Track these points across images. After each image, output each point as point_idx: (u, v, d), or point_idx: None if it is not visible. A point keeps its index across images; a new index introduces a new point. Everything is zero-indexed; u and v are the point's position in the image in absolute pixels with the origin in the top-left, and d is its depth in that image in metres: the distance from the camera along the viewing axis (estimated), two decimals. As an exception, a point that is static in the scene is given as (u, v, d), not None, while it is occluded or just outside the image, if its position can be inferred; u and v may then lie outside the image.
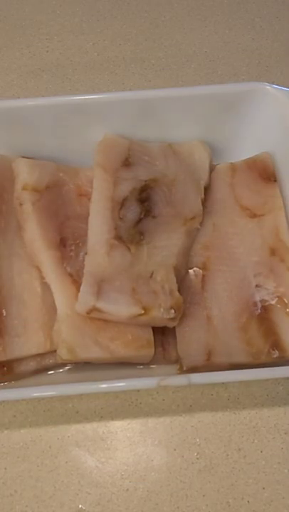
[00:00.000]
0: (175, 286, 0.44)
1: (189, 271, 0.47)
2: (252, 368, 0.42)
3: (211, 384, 0.48)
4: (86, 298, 0.42)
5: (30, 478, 0.45)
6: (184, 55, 0.67)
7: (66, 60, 0.67)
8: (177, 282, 0.44)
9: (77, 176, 0.50)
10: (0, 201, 0.48)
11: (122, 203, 0.47)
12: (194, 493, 0.44)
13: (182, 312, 0.44)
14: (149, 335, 0.44)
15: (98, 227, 0.46)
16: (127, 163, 0.49)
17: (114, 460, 0.46)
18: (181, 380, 0.41)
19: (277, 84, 0.50)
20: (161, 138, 0.52)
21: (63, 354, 0.41)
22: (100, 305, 0.42)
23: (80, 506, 0.44)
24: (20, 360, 0.44)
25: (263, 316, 0.45)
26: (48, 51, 0.67)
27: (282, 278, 0.46)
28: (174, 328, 0.45)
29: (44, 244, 0.45)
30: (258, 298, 0.46)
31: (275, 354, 0.44)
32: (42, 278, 0.46)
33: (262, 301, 0.46)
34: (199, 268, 0.47)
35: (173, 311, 0.43)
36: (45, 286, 0.45)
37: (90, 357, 0.42)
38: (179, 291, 0.44)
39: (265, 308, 0.45)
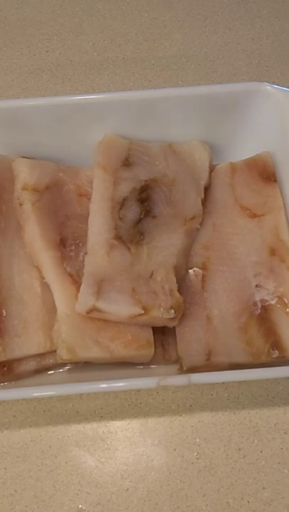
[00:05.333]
0: (175, 286, 0.44)
1: (189, 271, 0.47)
2: (252, 367, 0.42)
3: (211, 384, 0.48)
4: (86, 298, 0.42)
5: (30, 478, 0.45)
6: (184, 55, 0.67)
7: (66, 60, 0.67)
8: (177, 282, 0.44)
9: (77, 176, 0.50)
10: (0, 201, 0.48)
11: (122, 203, 0.47)
12: (194, 493, 0.44)
13: (182, 312, 0.44)
14: (149, 335, 0.44)
15: (98, 227, 0.46)
16: (127, 163, 0.49)
17: (114, 460, 0.46)
18: (181, 380, 0.41)
19: (277, 84, 0.50)
20: (161, 138, 0.52)
21: (63, 354, 0.41)
22: (100, 305, 0.42)
23: (80, 506, 0.44)
24: (20, 360, 0.44)
25: (263, 316, 0.45)
26: (48, 51, 0.67)
27: (282, 278, 0.46)
28: (174, 328, 0.45)
29: (44, 244, 0.45)
30: (258, 298, 0.46)
31: (275, 354, 0.44)
32: (42, 278, 0.46)
33: (262, 301, 0.46)
34: (199, 268, 0.47)
35: (173, 311, 0.43)
36: (45, 286, 0.45)
37: (90, 357, 0.42)
38: (179, 291, 0.44)
39: (265, 308, 0.45)
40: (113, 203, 0.47)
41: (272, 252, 0.47)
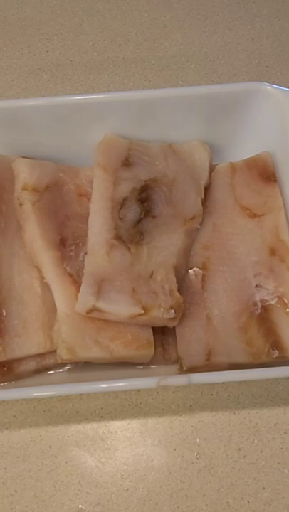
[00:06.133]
0: (175, 286, 0.44)
1: (189, 271, 0.47)
2: (252, 367, 0.42)
3: (211, 384, 0.48)
4: (86, 298, 0.42)
5: (30, 478, 0.45)
6: (184, 55, 0.67)
7: (66, 60, 0.67)
8: (177, 282, 0.44)
9: (77, 176, 0.50)
10: (0, 201, 0.48)
11: (122, 203, 0.47)
12: (194, 493, 0.44)
13: (182, 312, 0.44)
14: (149, 335, 0.44)
15: (98, 227, 0.46)
16: (127, 163, 0.49)
17: (114, 460, 0.46)
18: (181, 380, 0.41)
19: (277, 84, 0.50)
20: (161, 138, 0.52)
21: (63, 354, 0.41)
22: (100, 305, 0.42)
23: (80, 506, 0.44)
24: (20, 360, 0.44)
25: (263, 316, 0.45)
26: (48, 51, 0.67)
27: (282, 278, 0.46)
28: (174, 328, 0.45)
29: (44, 244, 0.45)
30: (258, 298, 0.46)
31: (275, 354, 0.44)
32: (42, 278, 0.46)
33: (262, 301, 0.46)
34: (199, 268, 0.47)
35: (173, 311, 0.43)
36: (45, 286, 0.45)
37: (90, 357, 0.42)
38: (179, 291, 0.44)
39: (265, 308, 0.45)
40: (113, 203, 0.47)
41: (272, 252, 0.47)
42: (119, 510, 0.44)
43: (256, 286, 0.46)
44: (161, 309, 0.42)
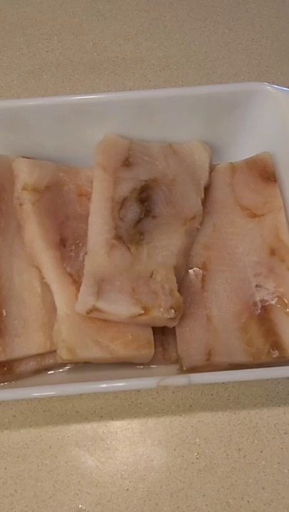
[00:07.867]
0: (175, 286, 0.44)
1: (189, 271, 0.47)
2: (252, 367, 0.42)
3: (211, 384, 0.48)
4: (86, 298, 0.42)
5: (30, 478, 0.45)
6: (184, 55, 0.67)
7: (66, 60, 0.67)
8: (177, 282, 0.44)
9: (77, 176, 0.50)
10: (0, 201, 0.48)
11: (122, 203, 0.47)
12: (194, 493, 0.44)
13: (182, 312, 0.44)
14: (149, 335, 0.44)
15: (98, 227, 0.46)
16: (127, 163, 0.49)
17: (114, 460, 0.46)
18: (181, 380, 0.41)
19: (277, 84, 0.50)
20: (161, 138, 0.52)
21: (63, 354, 0.41)
22: (100, 305, 0.42)
23: (80, 506, 0.44)
24: (20, 360, 0.44)
25: (263, 316, 0.45)
26: (48, 51, 0.67)
27: (282, 278, 0.46)
28: (174, 328, 0.45)
29: (44, 244, 0.45)
30: (258, 298, 0.46)
31: (275, 354, 0.44)
32: (42, 278, 0.46)
33: (262, 301, 0.46)
34: (199, 268, 0.47)
35: (173, 311, 0.43)
36: (45, 286, 0.45)
37: (90, 357, 0.42)
38: (179, 291, 0.44)
39: (265, 308, 0.45)
40: (113, 203, 0.47)
41: (272, 252, 0.47)
42: (119, 510, 0.44)
43: (256, 286, 0.46)
44: (161, 309, 0.42)
